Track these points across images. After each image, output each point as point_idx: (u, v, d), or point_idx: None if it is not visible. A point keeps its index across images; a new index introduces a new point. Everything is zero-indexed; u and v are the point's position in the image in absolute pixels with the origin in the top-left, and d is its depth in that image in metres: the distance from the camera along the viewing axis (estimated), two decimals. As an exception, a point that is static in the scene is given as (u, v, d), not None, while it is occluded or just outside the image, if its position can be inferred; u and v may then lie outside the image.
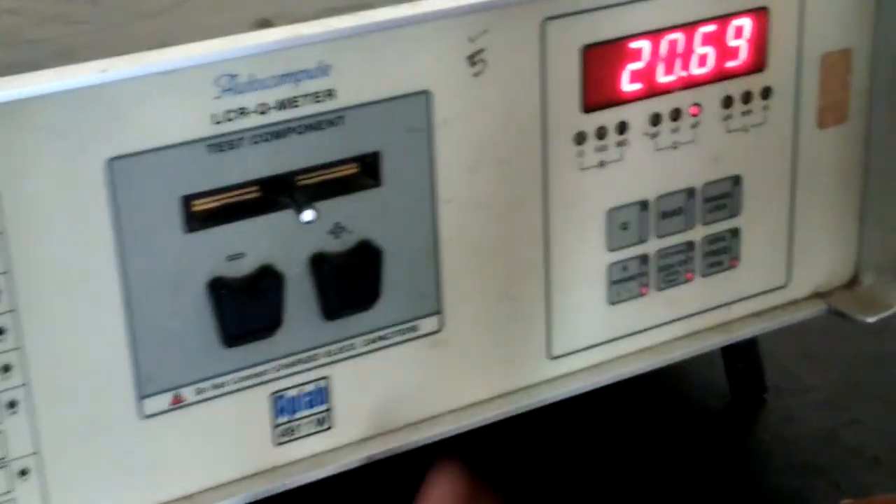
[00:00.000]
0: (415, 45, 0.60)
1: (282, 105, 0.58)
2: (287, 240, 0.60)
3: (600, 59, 0.65)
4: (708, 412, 0.84)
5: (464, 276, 0.65)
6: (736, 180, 0.72)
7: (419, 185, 0.63)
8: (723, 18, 0.68)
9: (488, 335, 0.67)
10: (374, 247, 0.62)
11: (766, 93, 0.71)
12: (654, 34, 0.66)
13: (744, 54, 0.69)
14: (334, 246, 0.61)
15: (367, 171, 0.61)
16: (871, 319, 0.76)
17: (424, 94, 0.61)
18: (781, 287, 0.76)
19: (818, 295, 0.77)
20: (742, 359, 0.83)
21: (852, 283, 0.78)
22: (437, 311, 0.65)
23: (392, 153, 0.61)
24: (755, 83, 0.70)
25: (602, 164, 0.67)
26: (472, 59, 0.62)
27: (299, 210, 0.59)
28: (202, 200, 0.58)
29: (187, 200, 0.58)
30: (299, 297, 0.61)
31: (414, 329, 0.65)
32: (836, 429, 0.81)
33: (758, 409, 0.84)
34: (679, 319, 0.73)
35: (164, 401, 0.60)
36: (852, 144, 0.75)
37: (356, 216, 0.61)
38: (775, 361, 0.86)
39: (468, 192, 0.64)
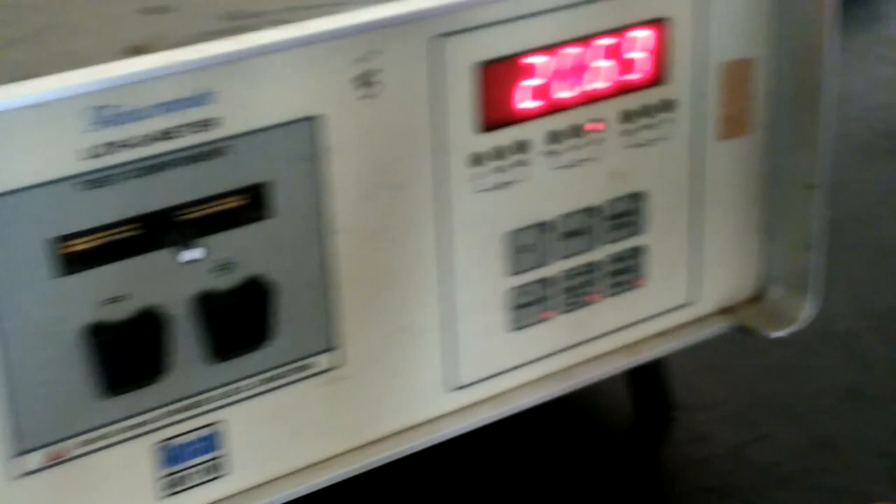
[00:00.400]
0: (300, 69, 0.57)
1: (160, 136, 0.54)
2: (170, 279, 0.56)
3: (495, 76, 0.62)
4: (614, 433, 0.81)
5: (360, 308, 0.62)
6: (639, 197, 0.69)
7: (310, 216, 0.59)
8: (621, 30, 0.65)
9: (387, 369, 0.64)
10: (264, 283, 0.58)
11: (668, 105, 0.68)
12: (551, 49, 0.64)
13: (644, 67, 0.67)
14: (221, 283, 0.58)
15: (254, 203, 0.58)
16: (778, 334, 0.74)
17: (312, 120, 0.58)
18: (688, 304, 0.73)
19: (725, 310, 0.75)
20: (647, 377, 0.81)
21: (758, 297, 0.76)
22: (333, 347, 0.62)
23: (281, 183, 0.58)
24: (656, 96, 0.68)
25: (500, 185, 0.64)
26: (361, 81, 0.59)
27: (182, 248, 0.55)
28: (76, 241, 0.54)
29: (58, 242, 0.53)
30: (186, 339, 0.57)
31: (309, 367, 0.61)
32: (745, 446, 0.79)
33: (665, 429, 0.81)
34: (585, 342, 0.70)
35: (40, 458, 0.55)
36: (755, 156, 0.73)
37: (244, 251, 0.58)
38: (681, 376, 0.83)
39: (362, 220, 0.61)
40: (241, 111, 0.56)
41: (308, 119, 0.58)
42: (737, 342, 0.77)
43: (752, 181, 0.73)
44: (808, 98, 0.70)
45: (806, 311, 0.73)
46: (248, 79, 0.55)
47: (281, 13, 0.58)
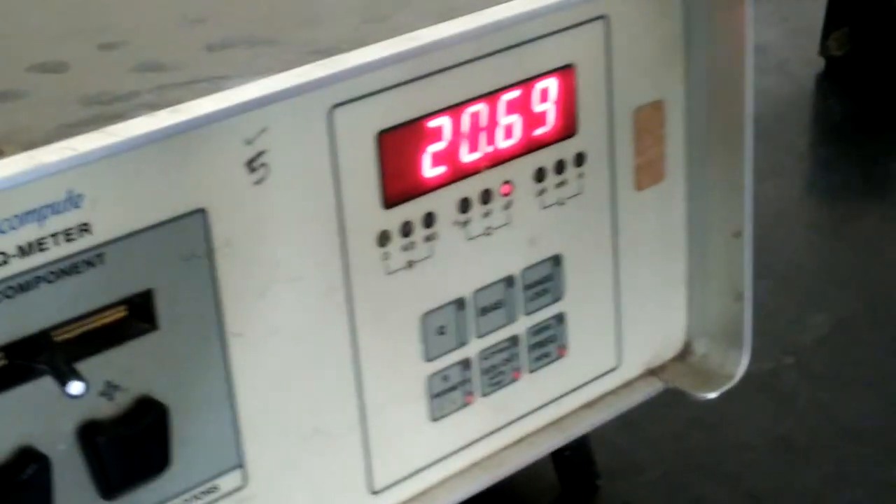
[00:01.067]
0: (181, 158, 0.49)
1: (24, 250, 0.46)
2: (48, 412, 0.48)
3: (397, 144, 0.56)
4: (539, 509, 0.75)
5: (265, 417, 0.55)
6: (556, 260, 0.63)
7: (203, 322, 0.52)
8: (526, 82, 0.59)
9: (300, 480, 0.57)
10: (157, 403, 0.51)
11: (580, 159, 0.62)
12: (454, 109, 0.57)
13: (552, 119, 0.61)
14: (107, 410, 0.50)
15: (138, 314, 0.50)
16: (712, 395, 0.68)
17: (199, 214, 0.50)
18: (613, 370, 0.68)
19: (651, 372, 0.69)
20: (570, 445, 0.75)
21: (685, 353, 0.70)
22: (239, 465, 0.54)
23: (166, 289, 0.50)
24: (567, 150, 0.62)
25: (410, 263, 0.58)
26: (252, 165, 0.52)
27: (62, 379, 0.47)
28: (-66, 382, 0.46)
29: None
30: (70, 478, 0.49)
31: (214, 489, 0.54)
32: (680, 512, 0.74)
33: (590, 499, 0.75)
34: (509, 424, 0.64)
35: None
36: (672, 203, 0.67)
37: (131, 370, 0.50)
38: (602, 438, 0.77)
39: (260, 320, 0.54)
40: (116, 212, 0.48)
41: (191, 215, 0.50)
42: (655, 397, 0.71)
43: (670, 231, 0.67)
44: (729, 139, 0.64)
45: (740, 366, 0.68)
46: (123, 175, 0.48)
47: (151, 93, 0.50)
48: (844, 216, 1.06)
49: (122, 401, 0.50)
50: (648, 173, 0.65)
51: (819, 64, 1.29)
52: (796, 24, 1.36)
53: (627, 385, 0.68)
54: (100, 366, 0.49)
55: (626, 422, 0.79)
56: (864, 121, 1.20)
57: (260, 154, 0.52)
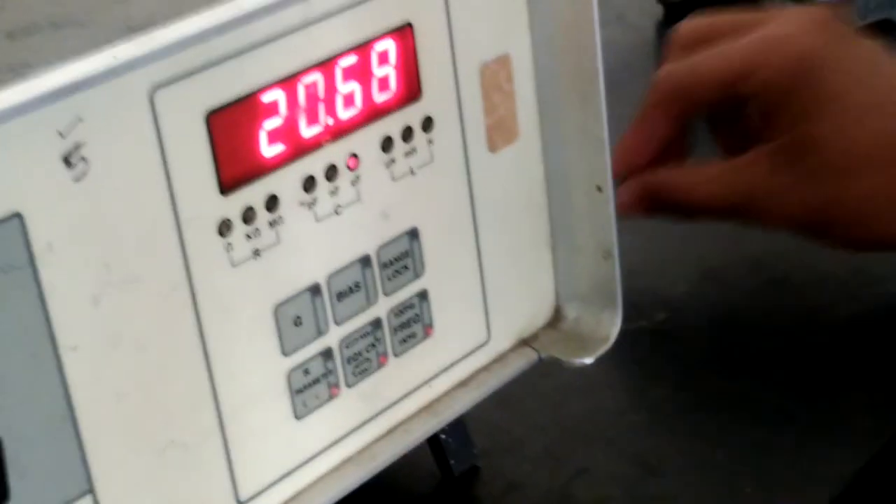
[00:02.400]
0: (-12, 158, 0.44)
1: None
2: None
3: (230, 123, 0.51)
4: (421, 496, 0.71)
5: (113, 435, 0.50)
6: (413, 234, 0.59)
7: (31, 338, 0.47)
8: (363, 46, 0.55)
9: (159, 498, 0.52)
10: (-13, 433, 0.46)
11: (427, 124, 0.58)
12: (288, 80, 0.53)
13: (394, 84, 0.57)
14: (-69, 448, 0.45)
15: (-45, 338, 0.45)
16: (588, 360, 0.65)
17: (15, 219, 0.45)
18: (483, 344, 0.64)
19: (524, 342, 0.66)
20: (445, 427, 0.71)
21: (556, 319, 0.67)
22: (88, 490, 0.49)
23: (-16, 305, 0.45)
24: (413, 115, 0.58)
25: (257, 252, 0.53)
26: (69, 160, 0.46)
27: None
28: None
29: None
30: None
31: (62, 521, 0.49)
32: (567, 485, 0.70)
33: (473, 482, 0.72)
34: (380, 413, 0.60)
35: None
36: (529, 163, 0.63)
37: (-47, 400, 0.45)
38: (475, 417, 0.74)
39: (96, 330, 0.49)
40: (-83, 226, 0.43)
41: (10, 218, 0.45)
42: (528, 370, 0.68)
43: (530, 192, 0.64)
44: (582, 90, 0.61)
45: (614, 327, 0.65)
46: (-80, 183, 0.43)
47: (-53, 89, 0.45)
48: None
49: (-53, 435, 0.45)
50: (501, 133, 0.62)
51: (657, 12, 1.27)
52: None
53: (500, 359, 0.65)
54: (-83, 397, 0.44)
55: (496, 397, 0.75)
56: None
57: (77, 147, 0.47)
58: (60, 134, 0.46)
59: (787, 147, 0.69)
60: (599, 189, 0.62)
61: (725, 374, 0.77)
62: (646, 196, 0.72)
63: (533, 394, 0.76)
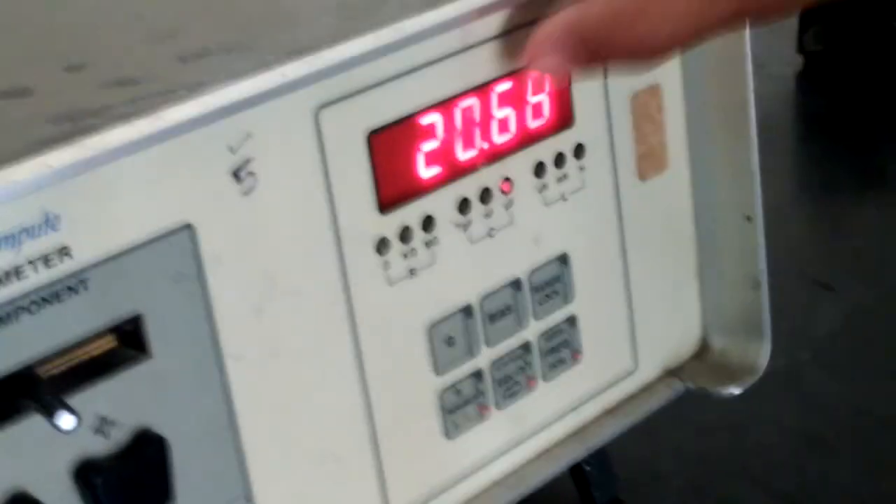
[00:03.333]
0: (163, 170, 0.46)
1: (1, 280, 0.43)
2: (39, 454, 0.45)
3: (390, 144, 0.53)
4: (562, 528, 0.71)
5: (271, 444, 0.51)
6: (563, 259, 0.60)
7: (197, 346, 0.48)
8: (518, 72, 0.56)
9: (313, 509, 0.53)
10: (155, 436, 0.47)
11: (579, 151, 0.59)
12: (445, 104, 0.54)
13: (547, 110, 0.58)
14: (103, 447, 0.46)
15: (128, 342, 0.47)
16: (736, 391, 0.65)
17: (186, 230, 0.47)
18: (630, 373, 0.64)
19: (670, 373, 0.66)
20: (588, 458, 0.71)
21: (702, 350, 0.67)
22: (246, 496, 0.51)
23: (157, 312, 0.47)
24: (565, 142, 0.59)
25: (412, 271, 0.55)
26: (238, 174, 0.48)
27: (50, 413, 0.44)
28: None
29: None
30: (69, 523, 0.46)
31: (222, 527, 0.50)
32: (711, 518, 0.70)
33: (616, 513, 0.72)
34: (528, 437, 0.60)
35: None
36: (678, 192, 0.64)
37: (125, 402, 0.47)
38: (619, 449, 0.74)
39: (258, 339, 0.50)
40: (97, 233, 0.45)
41: (181, 229, 0.47)
42: (674, 401, 0.68)
43: (678, 221, 0.64)
44: (733, 120, 0.61)
45: (762, 358, 0.65)
46: (102, 191, 0.45)
47: (125, 106, 0.47)
48: (842, 211, 1.03)
49: (117, 436, 0.47)
50: (651, 162, 0.62)
51: (797, 62, 1.27)
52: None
53: (646, 388, 0.65)
54: (91, 400, 0.46)
55: (641, 431, 0.75)
56: (849, 115, 1.18)
57: (246, 162, 0.48)
58: (230, 149, 0.48)
59: None
60: (749, 219, 0.63)
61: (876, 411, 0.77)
62: (576, 46, 0.50)
63: (678, 430, 0.76)
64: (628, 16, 0.48)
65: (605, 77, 0.60)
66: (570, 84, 0.58)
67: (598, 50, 0.49)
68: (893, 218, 0.99)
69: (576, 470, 0.72)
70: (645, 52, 0.49)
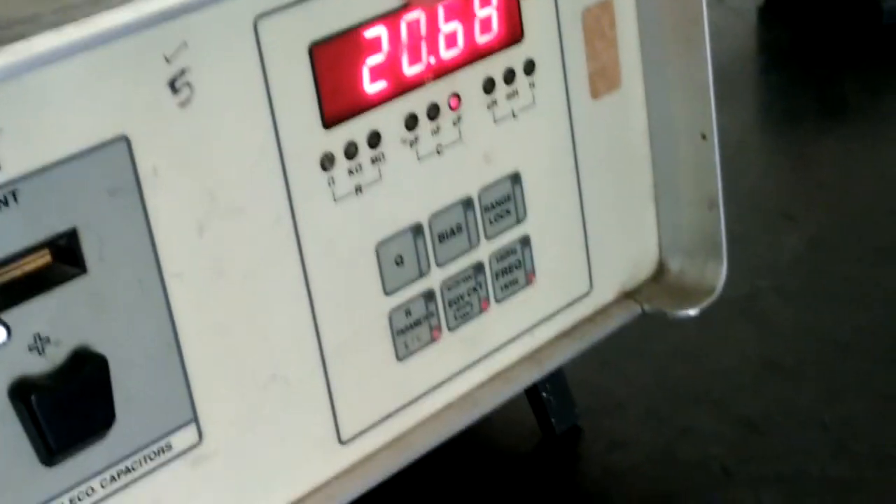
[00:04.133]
0: (97, 80, 0.45)
1: (-74, 191, 0.42)
2: (-27, 372, 0.44)
3: (333, 57, 0.51)
4: (523, 455, 0.70)
5: (216, 365, 0.50)
6: (515, 178, 0.59)
7: (136, 262, 0.47)
8: (466, -15, 0.55)
9: (261, 433, 0.52)
10: (95, 354, 0.46)
11: (529, 67, 0.58)
12: (391, 16, 0.53)
13: (496, 25, 0.57)
14: (40, 366, 0.45)
15: (63, 257, 0.45)
16: (692, 312, 0.64)
17: (122, 142, 0.46)
18: (586, 294, 0.63)
19: (627, 295, 0.65)
20: (546, 386, 0.70)
21: (659, 273, 0.66)
22: (192, 419, 0.50)
23: (92, 227, 0.45)
24: (515, 57, 0.58)
25: (359, 188, 0.53)
26: (174, 85, 0.47)
27: (-19, 329, 0.42)
28: None
29: None
30: (5, 443, 0.45)
31: (167, 448, 0.49)
32: (670, 445, 0.69)
33: (576, 441, 0.71)
34: (482, 359, 0.59)
35: None
36: (632, 111, 0.63)
37: (62, 319, 0.45)
38: (577, 378, 0.73)
39: (200, 257, 0.49)
40: (28, 144, 0.43)
41: (117, 141, 0.46)
42: (629, 328, 0.67)
43: (635, 141, 0.63)
44: (686, 36, 0.60)
45: (720, 278, 0.64)
46: (28, 102, 0.43)
47: (55, 14, 0.45)
48: (804, 142, 1.02)
49: (54, 354, 0.45)
50: (604, 80, 0.61)
51: (759, -5, 1.26)
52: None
53: (603, 311, 0.64)
54: (26, 317, 0.44)
55: (599, 361, 0.75)
56: (811, 47, 1.17)
57: (182, 72, 0.47)
58: (166, 58, 0.46)
59: None
60: (704, 137, 0.61)
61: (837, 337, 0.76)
62: None
63: (637, 357, 0.76)
64: None
65: (556, -9, 0.58)
66: None
67: None
68: (855, 149, 0.98)
69: (534, 398, 0.71)
70: None
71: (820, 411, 0.70)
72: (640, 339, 0.75)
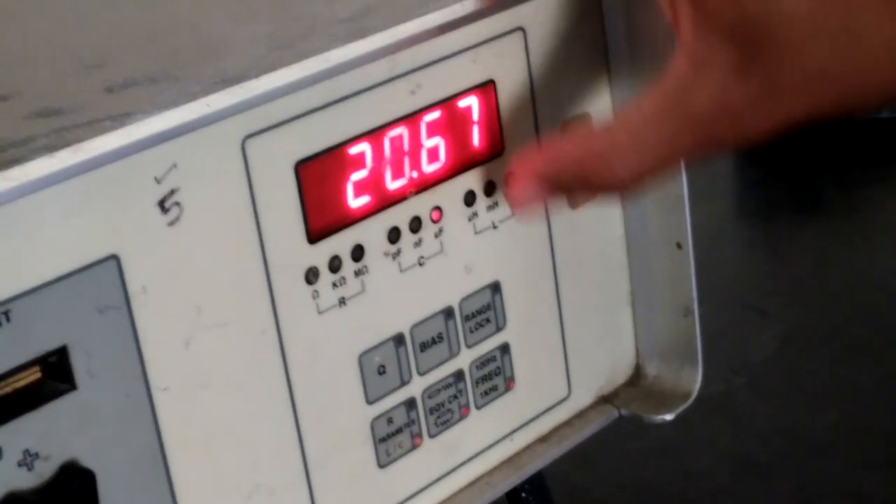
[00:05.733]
0: (87, 202, 0.46)
1: (-81, 313, 0.43)
2: (-38, 488, 0.45)
3: (318, 174, 0.53)
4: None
5: (201, 476, 0.51)
6: (495, 288, 0.60)
7: (125, 377, 0.48)
8: (447, 102, 0.57)
9: (244, 542, 0.53)
10: (83, 469, 0.47)
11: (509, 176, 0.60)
12: (374, 133, 0.54)
13: (477, 139, 0.58)
14: (29, 481, 0.46)
15: (53, 374, 0.46)
16: (669, 416, 0.65)
17: (112, 260, 0.47)
18: (564, 399, 0.64)
19: (604, 399, 0.66)
20: (526, 486, 0.71)
21: (636, 377, 0.67)
22: (177, 530, 0.51)
23: (82, 344, 0.47)
24: (496, 170, 0.59)
25: (342, 301, 0.55)
26: (164, 205, 0.48)
27: (-27, 448, 0.43)
28: None
29: None
30: (-6, 559, 0.45)
31: (151, 560, 0.50)
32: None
33: (553, 540, 0.72)
34: (462, 465, 0.60)
35: None
36: (609, 220, 0.64)
37: (51, 435, 0.46)
38: (556, 475, 0.74)
39: (187, 371, 0.50)
40: (16, 266, 0.45)
41: (107, 260, 0.47)
42: (609, 428, 0.68)
43: (612, 248, 0.65)
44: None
45: (695, 384, 0.65)
46: (21, 224, 0.44)
47: (48, 137, 0.47)
48: (779, 236, 1.04)
49: (43, 470, 0.46)
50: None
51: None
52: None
53: (580, 415, 0.65)
54: (16, 434, 0.45)
55: (580, 458, 0.75)
56: (786, 142, 1.19)
57: (171, 192, 0.48)
58: (156, 179, 0.48)
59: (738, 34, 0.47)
60: (679, 246, 0.63)
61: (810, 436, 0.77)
62: (551, 182, 0.54)
63: (612, 454, 0.77)
64: (602, 154, 0.52)
65: (534, 105, 0.60)
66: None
67: (572, 186, 0.56)
68: (829, 244, 1.00)
69: (513, 496, 0.72)
70: (619, 186, 0.52)
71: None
72: (618, 438, 0.76)
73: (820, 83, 0.47)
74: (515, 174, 0.55)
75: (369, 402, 0.56)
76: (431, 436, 0.59)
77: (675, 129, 0.49)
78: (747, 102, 0.48)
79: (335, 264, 0.54)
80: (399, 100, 0.55)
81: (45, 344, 0.46)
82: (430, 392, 0.58)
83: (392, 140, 0.55)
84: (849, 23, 0.45)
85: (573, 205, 0.62)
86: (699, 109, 0.49)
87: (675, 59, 0.49)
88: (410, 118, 0.55)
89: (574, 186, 0.56)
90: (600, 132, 0.54)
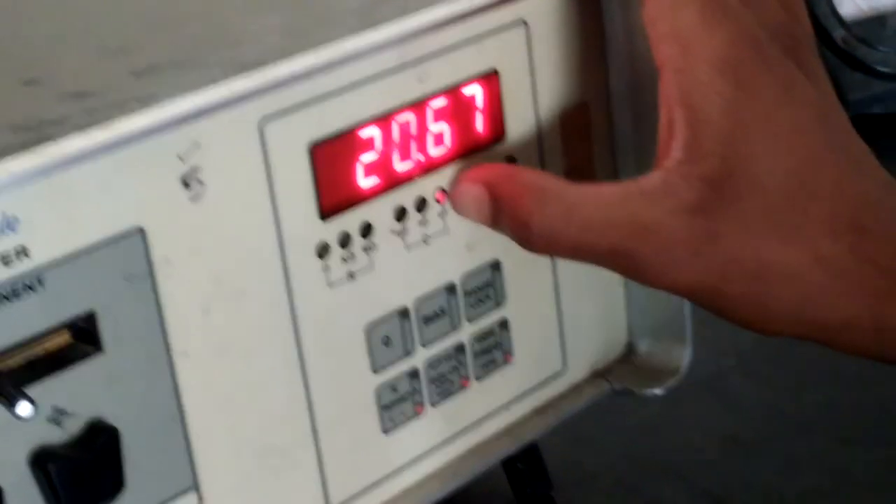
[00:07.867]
0: (116, 176, 0.49)
1: (-42, 278, 0.46)
2: (-3, 441, 0.48)
3: (331, 155, 0.56)
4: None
5: (217, 436, 0.54)
6: (495, 266, 0.64)
7: (148, 342, 0.52)
8: (452, 89, 0.60)
9: (257, 498, 0.56)
10: (108, 426, 0.50)
11: (511, 162, 0.63)
12: (383, 118, 0.58)
13: (480, 125, 0.61)
14: (58, 436, 0.49)
15: (82, 337, 0.50)
16: (658, 391, 0.69)
17: (138, 233, 0.50)
18: (559, 374, 0.68)
19: (597, 374, 0.70)
20: (522, 458, 0.75)
21: (628, 353, 0.71)
22: (193, 486, 0.54)
23: (110, 310, 0.50)
24: (497, 155, 0.62)
25: (351, 275, 0.58)
26: (187, 182, 0.52)
27: (11, 403, 0.47)
28: None
29: None
30: (26, 507, 0.49)
31: (170, 513, 0.53)
32: (638, 514, 0.74)
33: (548, 509, 0.75)
34: (461, 433, 0.64)
35: None
36: (605, 204, 0.68)
37: (79, 394, 0.50)
38: (551, 451, 0.77)
39: (205, 337, 0.53)
40: (54, 234, 0.48)
41: (133, 232, 0.50)
42: (602, 405, 0.71)
43: (605, 232, 0.68)
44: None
45: (684, 361, 0.69)
46: (58, 195, 0.48)
47: (80, 116, 0.50)
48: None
49: (71, 426, 0.50)
50: (578, 174, 0.66)
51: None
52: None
53: (574, 388, 0.69)
54: (47, 392, 0.49)
55: (573, 435, 0.79)
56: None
57: (194, 170, 0.52)
58: (180, 158, 0.51)
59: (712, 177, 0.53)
60: (671, 229, 0.66)
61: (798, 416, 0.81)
62: (486, 194, 0.58)
63: (606, 428, 0.80)
64: (524, 208, 0.56)
65: (535, 94, 0.63)
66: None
67: (502, 212, 0.58)
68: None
69: (510, 468, 0.75)
70: (529, 244, 0.57)
71: (777, 485, 0.75)
72: (611, 416, 0.79)
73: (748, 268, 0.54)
74: (468, 174, 0.59)
75: (375, 371, 0.60)
76: (433, 404, 0.62)
77: (606, 224, 0.55)
78: (685, 237, 0.53)
79: (345, 240, 0.57)
80: (407, 87, 0.58)
81: (74, 309, 0.49)
82: (432, 363, 0.62)
83: (400, 125, 0.58)
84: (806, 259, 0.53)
85: (571, 189, 0.66)
86: (643, 220, 0.54)
87: (651, 174, 0.55)
88: (418, 104, 0.59)
89: (503, 215, 0.58)
90: (554, 188, 0.57)
